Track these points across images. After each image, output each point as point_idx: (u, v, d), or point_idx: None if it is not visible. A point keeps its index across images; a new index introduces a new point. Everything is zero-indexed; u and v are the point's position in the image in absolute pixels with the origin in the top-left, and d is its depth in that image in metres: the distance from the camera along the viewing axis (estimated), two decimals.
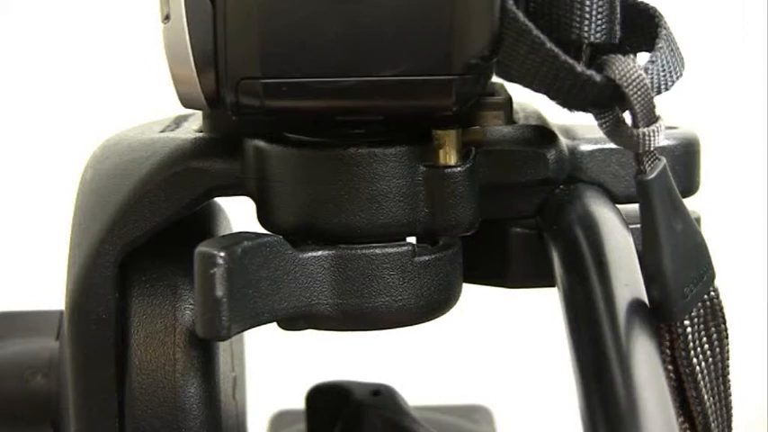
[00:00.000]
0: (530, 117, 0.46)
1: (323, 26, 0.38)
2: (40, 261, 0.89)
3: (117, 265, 0.44)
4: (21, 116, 0.96)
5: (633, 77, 0.38)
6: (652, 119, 0.39)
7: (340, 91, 0.39)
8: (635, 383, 0.36)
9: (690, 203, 0.43)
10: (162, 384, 0.43)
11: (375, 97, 0.39)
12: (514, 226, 0.46)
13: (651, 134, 0.39)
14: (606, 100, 0.39)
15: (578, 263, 0.41)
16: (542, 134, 0.45)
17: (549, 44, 0.38)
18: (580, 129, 0.46)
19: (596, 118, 0.40)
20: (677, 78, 0.40)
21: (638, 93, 0.39)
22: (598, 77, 0.39)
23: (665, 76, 0.40)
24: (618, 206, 0.45)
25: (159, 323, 0.44)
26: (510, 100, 0.45)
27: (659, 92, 0.39)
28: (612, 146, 0.45)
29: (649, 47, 0.41)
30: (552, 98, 0.39)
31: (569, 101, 0.39)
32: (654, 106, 0.39)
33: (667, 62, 0.40)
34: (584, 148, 0.45)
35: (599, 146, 0.45)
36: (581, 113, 0.45)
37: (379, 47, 0.39)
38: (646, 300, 0.40)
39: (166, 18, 0.40)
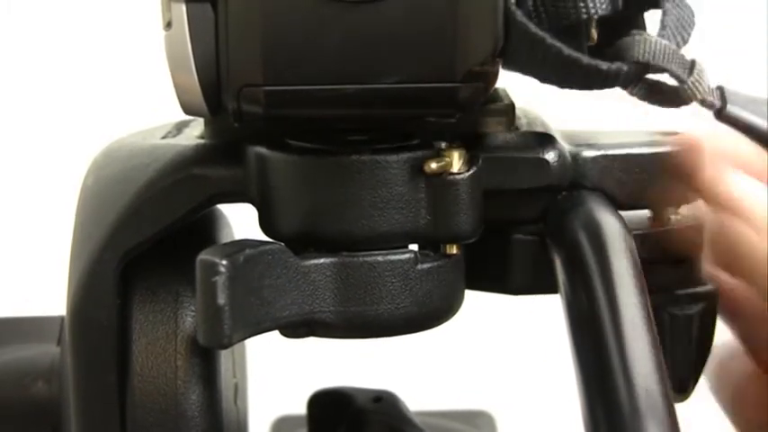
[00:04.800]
0: (532, 123, 0.46)
1: (325, 34, 0.38)
2: (41, 267, 0.89)
3: (118, 271, 0.44)
4: (23, 122, 0.96)
5: (657, 50, 0.39)
6: (689, 66, 0.40)
7: (342, 98, 0.39)
8: (638, 392, 0.36)
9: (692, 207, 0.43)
10: (163, 391, 0.43)
11: (377, 105, 0.39)
12: (517, 232, 0.46)
13: (698, 79, 0.40)
14: (635, 78, 0.40)
15: (581, 269, 0.41)
16: (545, 140, 0.44)
17: (566, 51, 0.38)
18: (583, 134, 0.46)
19: (630, 93, 0.41)
20: (691, 30, 0.41)
21: (667, 58, 0.39)
22: (625, 67, 0.39)
23: (679, 33, 0.40)
24: (621, 212, 0.45)
25: (161, 330, 0.44)
26: (512, 106, 0.45)
27: (679, 47, 0.40)
28: (615, 152, 0.45)
29: (654, 3, 0.41)
30: (579, 90, 0.40)
31: (597, 89, 0.40)
32: (684, 58, 0.40)
33: (678, 20, 0.40)
34: (587, 154, 0.45)
35: (602, 152, 0.45)
36: (582, 118, 0.45)
37: (382, 54, 0.38)
38: (649, 306, 0.40)
39: (168, 25, 0.39)
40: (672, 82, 0.41)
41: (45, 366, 0.53)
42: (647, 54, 0.39)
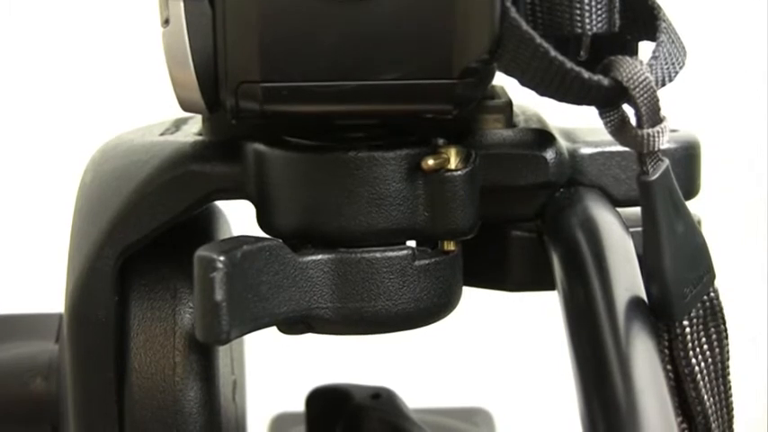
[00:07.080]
0: (530, 120, 0.46)
1: (322, 30, 0.38)
2: (39, 264, 0.89)
3: (116, 268, 0.44)
4: (21, 119, 0.96)
5: (640, 79, 0.39)
6: (657, 120, 0.39)
7: (339, 95, 0.39)
8: (635, 388, 0.36)
9: (690, 207, 0.43)
10: (161, 388, 0.44)
11: (375, 101, 0.39)
12: (515, 229, 0.46)
13: (656, 135, 0.39)
14: (613, 100, 0.39)
15: (578, 266, 0.41)
16: (542, 137, 0.44)
17: (553, 53, 0.38)
18: (580, 131, 0.46)
19: (601, 116, 0.40)
20: (680, 69, 0.40)
21: (645, 94, 0.39)
22: (606, 81, 0.39)
23: (667, 68, 0.40)
24: (618, 209, 0.45)
25: (159, 327, 0.44)
26: (510, 103, 0.45)
27: (663, 84, 0.40)
28: (613, 149, 0.45)
29: (651, 36, 0.41)
30: (558, 100, 0.39)
31: (576, 102, 0.39)
32: (659, 108, 0.39)
33: (669, 55, 0.40)
34: (585, 151, 0.45)
35: (599, 149, 0.45)
36: (581, 115, 0.45)
37: (379, 51, 0.39)
38: (645, 303, 0.40)
39: (166, 22, 0.39)
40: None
41: (43, 363, 0.53)
42: (627, 76, 0.39)
